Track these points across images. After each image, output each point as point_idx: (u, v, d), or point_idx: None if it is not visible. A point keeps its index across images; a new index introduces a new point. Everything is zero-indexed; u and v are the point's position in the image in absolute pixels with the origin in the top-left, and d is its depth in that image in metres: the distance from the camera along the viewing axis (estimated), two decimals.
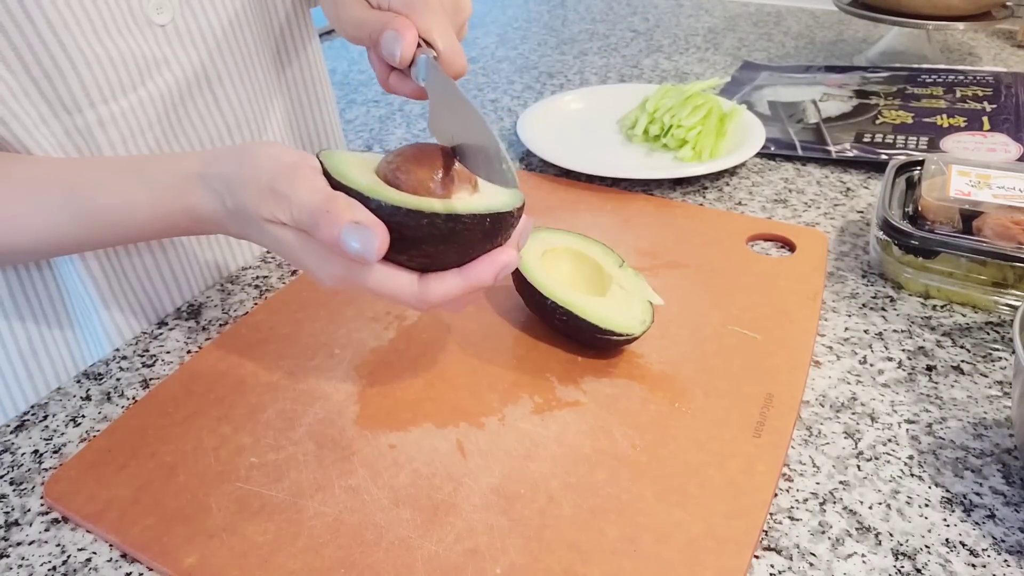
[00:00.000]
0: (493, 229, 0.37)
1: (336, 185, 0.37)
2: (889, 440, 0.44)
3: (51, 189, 0.43)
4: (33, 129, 0.46)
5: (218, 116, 0.57)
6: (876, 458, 0.43)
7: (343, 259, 0.36)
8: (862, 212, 0.67)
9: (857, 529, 0.39)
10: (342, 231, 0.34)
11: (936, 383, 0.48)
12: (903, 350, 0.51)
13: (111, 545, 0.40)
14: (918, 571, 0.37)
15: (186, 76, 0.53)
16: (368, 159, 0.40)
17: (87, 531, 0.40)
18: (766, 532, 0.39)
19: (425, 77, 0.42)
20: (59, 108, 0.47)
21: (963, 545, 0.38)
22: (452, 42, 0.42)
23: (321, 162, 0.38)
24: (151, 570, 0.38)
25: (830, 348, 0.51)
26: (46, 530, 0.40)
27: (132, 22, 0.49)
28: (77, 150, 0.49)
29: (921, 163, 0.62)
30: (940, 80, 0.91)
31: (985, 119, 0.79)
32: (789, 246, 0.62)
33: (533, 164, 0.79)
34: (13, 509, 0.42)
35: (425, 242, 0.36)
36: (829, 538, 0.38)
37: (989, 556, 0.37)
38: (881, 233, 0.56)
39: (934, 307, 0.55)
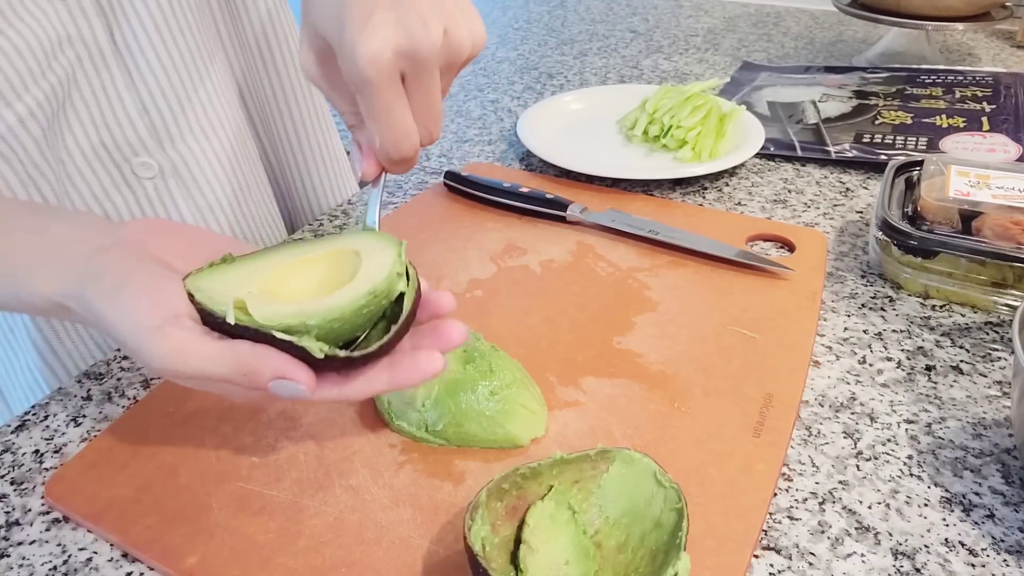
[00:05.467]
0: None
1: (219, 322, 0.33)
2: (888, 440, 0.44)
3: None
4: None
5: (131, 90, 0.53)
6: (875, 458, 0.43)
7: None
8: (861, 212, 0.68)
9: (856, 529, 0.39)
10: (269, 388, 0.32)
11: (935, 383, 0.48)
12: (902, 350, 0.51)
13: (112, 545, 0.40)
14: (917, 571, 0.37)
15: (89, 51, 0.50)
16: (242, 262, 0.36)
17: (88, 531, 0.40)
18: (765, 532, 0.39)
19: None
20: None
21: (962, 545, 0.38)
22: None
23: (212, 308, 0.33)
24: (152, 570, 0.38)
25: (829, 348, 0.51)
26: (47, 530, 0.41)
27: (33, 3, 0.47)
28: (1, 157, 0.47)
29: (920, 163, 0.62)
30: (939, 81, 0.91)
31: (984, 119, 0.80)
32: (788, 246, 0.62)
33: (533, 164, 0.79)
34: (14, 509, 0.42)
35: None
36: (828, 538, 0.38)
37: (988, 556, 0.37)
38: (880, 233, 0.56)
39: (933, 307, 0.55)
